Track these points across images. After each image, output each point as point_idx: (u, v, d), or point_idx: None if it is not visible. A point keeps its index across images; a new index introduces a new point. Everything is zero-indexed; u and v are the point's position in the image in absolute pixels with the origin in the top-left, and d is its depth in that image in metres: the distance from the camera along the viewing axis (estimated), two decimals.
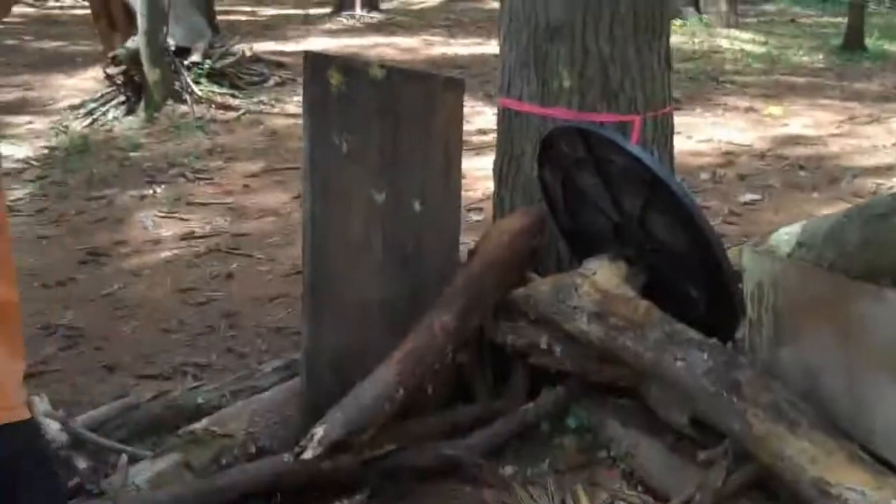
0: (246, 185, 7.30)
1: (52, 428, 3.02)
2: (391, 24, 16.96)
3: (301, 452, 2.84)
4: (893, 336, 2.50)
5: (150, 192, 7.19)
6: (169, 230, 6.32)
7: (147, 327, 4.74)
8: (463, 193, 3.75)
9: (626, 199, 3.24)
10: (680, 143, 8.19)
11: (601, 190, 3.32)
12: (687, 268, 3.18)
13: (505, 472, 3.23)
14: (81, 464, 2.96)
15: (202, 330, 4.67)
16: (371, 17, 17.68)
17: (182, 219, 6.55)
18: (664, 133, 3.81)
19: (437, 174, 3.55)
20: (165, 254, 5.87)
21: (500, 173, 3.93)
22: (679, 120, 9.27)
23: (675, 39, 14.60)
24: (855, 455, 2.45)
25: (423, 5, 20.42)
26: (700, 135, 8.49)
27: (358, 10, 18.00)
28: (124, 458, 2.96)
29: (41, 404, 3.16)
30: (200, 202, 6.91)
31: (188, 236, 6.18)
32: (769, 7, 20.62)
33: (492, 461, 3.24)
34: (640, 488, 3.09)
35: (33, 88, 11.69)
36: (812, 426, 2.54)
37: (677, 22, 15.40)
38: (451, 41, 14.61)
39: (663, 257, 3.25)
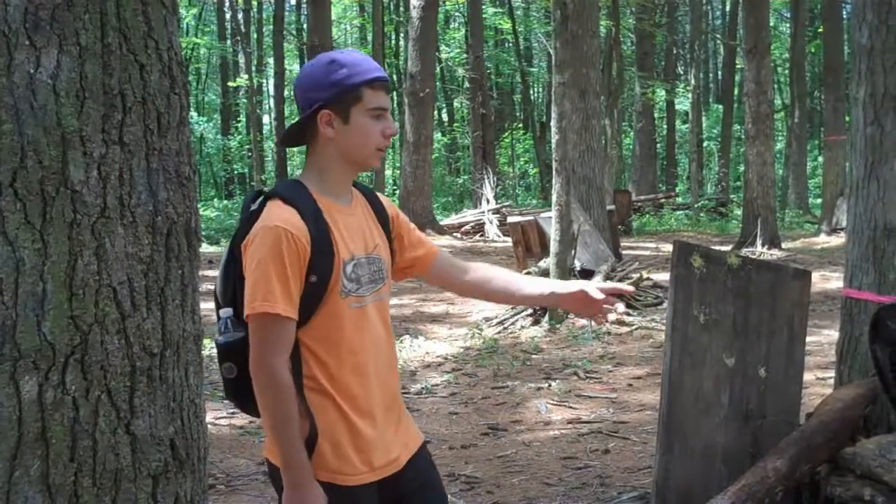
0: (630, 385, 8.09)
1: None
2: (790, 262, 17.36)
3: None
4: None
5: (546, 385, 8.16)
6: (558, 415, 7.21)
7: (531, 480, 5.59)
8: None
9: None
10: None
11: None
12: None
13: None
14: None
15: (577, 485, 5.44)
16: (771, 254, 18.18)
17: (571, 407, 7.42)
18: None
19: (781, 347, 4.20)
20: (553, 432, 6.74)
21: (840, 350, 4.47)
22: None
23: None
24: None
25: (826, 245, 20.61)
26: None
27: (759, 248, 18.59)
28: None
29: None
30: (588, 395, 7.77)
31: (574, 421, 7.01)
32: None
33: None
34: None
35: (455, 304, 13.34)
36: None
37: None
38: None
39: None
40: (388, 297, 2.70)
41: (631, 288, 2.92)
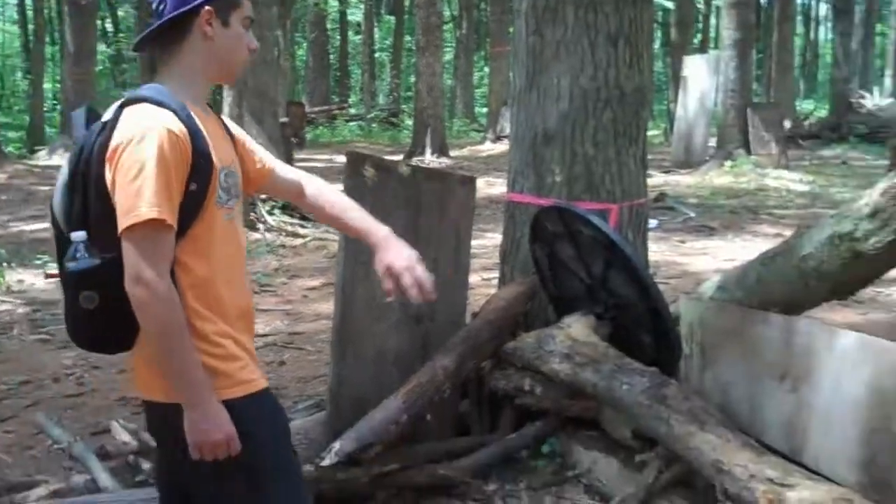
0: (305, 296, 8.14)
1: (124, 437, 3.78)
2: (458, 169, 18.00)
3: (321, 462, 3.56)
4: (779, 351, 3.16)
5: None
6: None
7: None
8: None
9: (593, 263, 3.95)
10: (705, 262, 8.96)
11: (576, 258, 4.04)
12: (639, 317, 3.87)
13: (489, 489, 3.88)
14: (146, 465, 3.70)
15: None
16: (440, 162, 18.79)
17: None
18: (639, 219, 4.53)
19: (449, 252, 4.31)
20: None
21: (504, 252, 4.69)
22: (709, 244, 10.09)
23: (723, 179, 15.40)
24: (747, 443, 3.07)
25: (491, 152, 21.56)
26: (725, 255, 9.18)
27: (428, 156, 19.17)
28: None
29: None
30: (263, 309, 7.72)
31: None
32: (826, 152, 21.22)
33: (478, 481, 3.90)
34: (597, 497, 3.72)
35: None
36: (717, 424, 3.17)
37: (728, 162, 16.16)
38: None
39: (623, 310, 3.94)
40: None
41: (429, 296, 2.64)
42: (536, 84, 4.49)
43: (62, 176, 2.30)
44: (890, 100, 27.32)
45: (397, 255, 2.63)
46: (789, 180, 15.31)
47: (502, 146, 21.70)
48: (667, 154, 18.75)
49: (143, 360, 2.28)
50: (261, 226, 10.66)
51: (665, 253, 9.49)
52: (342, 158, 16.63)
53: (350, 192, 4.07)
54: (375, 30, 40.39)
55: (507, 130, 24.08)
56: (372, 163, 4.15)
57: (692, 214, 11.93)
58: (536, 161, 4.51)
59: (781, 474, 2.82)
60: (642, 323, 3.86)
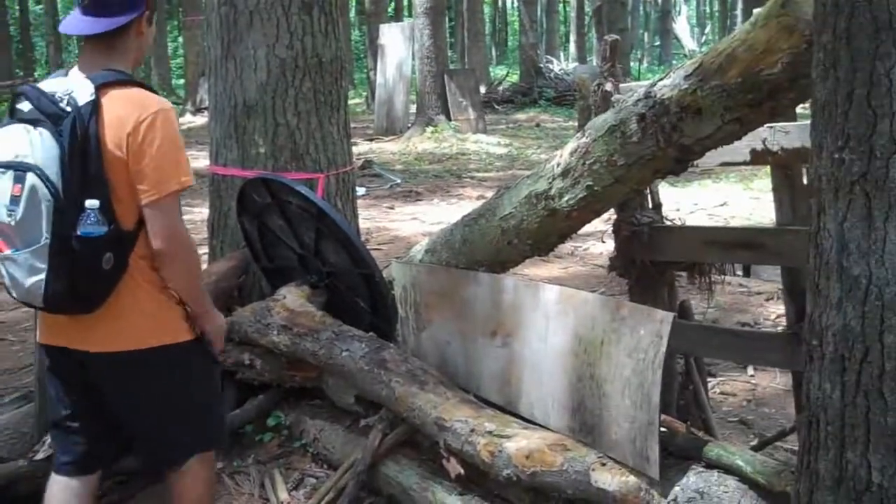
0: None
1: None
2: None
3: (34, 455, 3.39)
4: (487, 307, 3.29)
5: None
6: None
7: None
8: None
9: (304, 233, 3.96)
10: (414, 227, 9.18)
11: (286, 229, 4.02)
12: (353, 283, 3.92)
13: (216, 467, 3.81)
14: None
15: None
16: None
17: None
18: (346, 187, 4.58)
19: None
20: None
21: (212, 226, 4.60)
22: (417, 209, 10.34)
23: (426, 144, 15.76)
24: (466, 399, 3.21)
25: (192, 124, 21.02)
26: (433, 219, 9.45)
27: None
28: None
29: None
30: None
31: None
32: (521, 115, 22.21)
33: None
34: (325, 465, 3.75)
35: None
36: (436, 384, 3.28)
37: (429, 128, 16.58)
38: None
39: (337, 277, 3.98)
40: None
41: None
42: (232, 54, 4.42)
43: (51, 149, 2.42)
44: (575, 64, 28.88)
45: None
46: (488, 144, 15.92)
47: (203, 118, 21.19)
48: (369, 122, 18.96)
49: (140, 312, 2.63)
50: None
51: (375, 219, 9.63)
52: None
53: None
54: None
55: (207, 102, 23.52)
56: None
57: (398, 180, 12.17)
58: (239, 133, 4.45)
59: (499, 426, 2.96)
60: (357, 289, 3.92)
